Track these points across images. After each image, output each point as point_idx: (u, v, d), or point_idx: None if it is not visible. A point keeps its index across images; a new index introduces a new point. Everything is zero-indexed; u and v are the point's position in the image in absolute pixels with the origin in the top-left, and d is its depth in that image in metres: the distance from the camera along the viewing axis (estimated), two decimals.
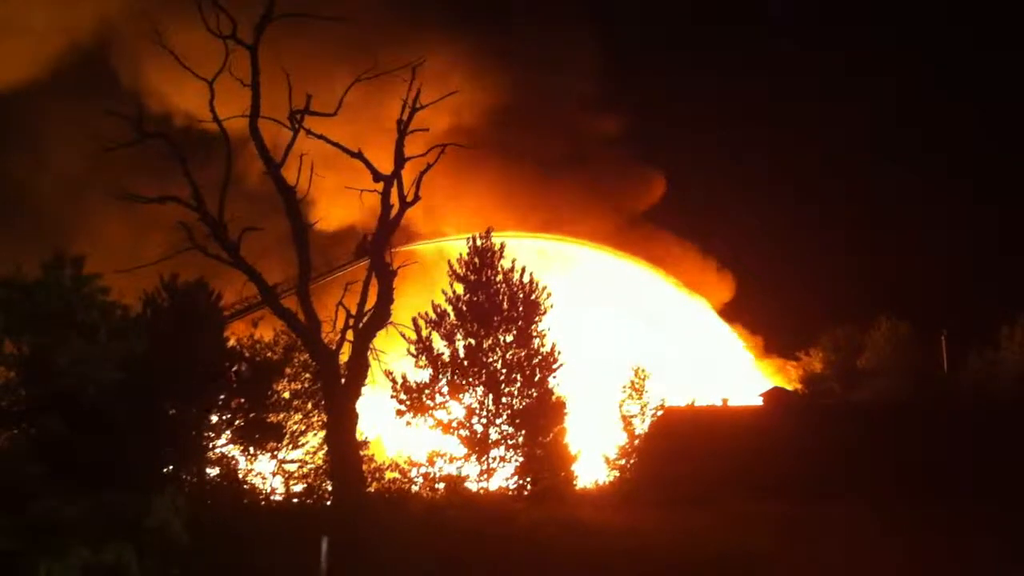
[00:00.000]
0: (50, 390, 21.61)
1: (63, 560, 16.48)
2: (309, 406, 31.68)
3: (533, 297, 36.03)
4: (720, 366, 56.97)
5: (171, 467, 28.96)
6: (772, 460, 36.36)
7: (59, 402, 21.64)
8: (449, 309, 35.53)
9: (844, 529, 27.48)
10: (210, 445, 30.52)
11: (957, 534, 25.74)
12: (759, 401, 46.41)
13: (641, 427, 42.10)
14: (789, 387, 51.92)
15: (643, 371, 43.31)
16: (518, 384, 35.02)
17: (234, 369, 31.36)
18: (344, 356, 29.52)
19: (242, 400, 30.93)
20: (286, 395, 31.87)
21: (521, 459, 34.66)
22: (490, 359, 35.00)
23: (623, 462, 42.16)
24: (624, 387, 43.21)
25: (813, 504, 30.62)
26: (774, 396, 46.87)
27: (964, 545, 24.95)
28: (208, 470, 30.46)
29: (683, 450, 38.95)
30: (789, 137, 67.07)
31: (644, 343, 51.56)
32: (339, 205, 44.65)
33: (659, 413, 42.58)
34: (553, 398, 35.52)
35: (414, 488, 33.49)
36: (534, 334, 35.74)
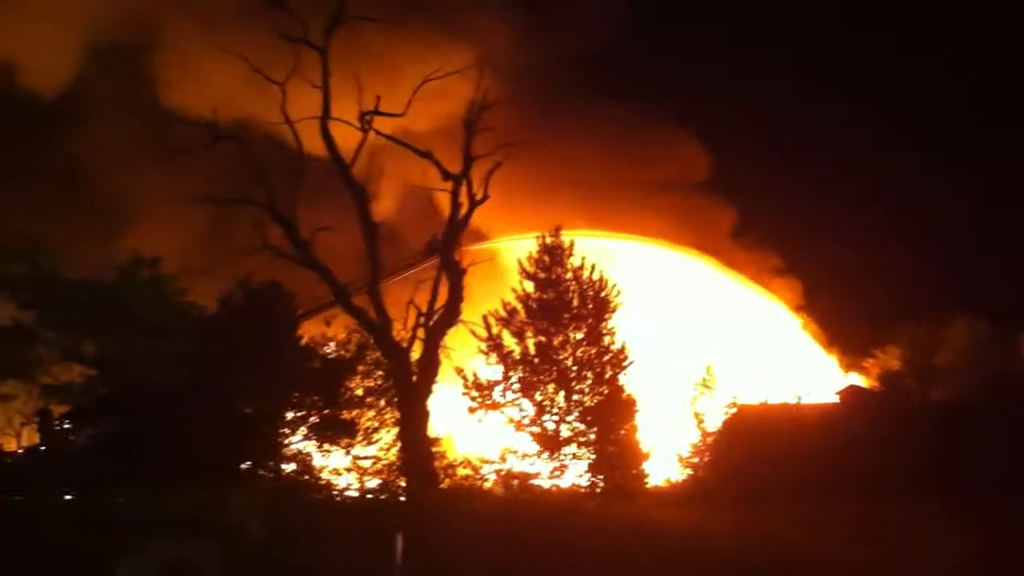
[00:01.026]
0: (130, 389, 22.09)
1: (143, 556, 16.79)
2: (382, 403, 31.93)
3: (603, 295, 35.94)
4: (794, 363, 56.12)
5: (248, 464, 29.46)
6: (848, 460, 35.72)
7: (138, 401, 22.11)
8: (519, 307, 35.59)
9: (923, 532, 26.86)
10: (285, 442, 30.98)
11: None
12: (835, 399, 45.65)
13: (713, 425, 41.64)
14: (865, 385, 50.94)
15: (714, 368, 42.86)
16: (589, 381, 34.97)
17: (308, 367, 31.75)
18: (415, 354, 29.71)
19: (316, 397, 31.32)
20: (359, 392, 32.18)
21: (592, 456, 34.59)
22: (560, 356, 34.99)
23: (695, 460, 41.74)
24: (696, 384, 42.82)
25: (891, 506, 30.01)
26: (850, 394, 46.04)
27: None
28: (284, 466, 30.92)
29: (756, 448, 38.46)
30: (862, 127, 65.35)
31: (716, 341, 50.93)
32: (409, 204, 44.99)
33: (732, 411, 42.08)
34: (624, 395, 35.40)
35: (486, 485, 33.62)
36: (604, 331, 35.64)
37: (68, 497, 23.60)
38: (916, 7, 67.07)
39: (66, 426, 24.75)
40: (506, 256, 46.86)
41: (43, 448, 24.13)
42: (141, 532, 17.69)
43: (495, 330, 35.29)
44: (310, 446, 31.35)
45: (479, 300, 35.43)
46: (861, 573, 22.11)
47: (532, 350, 35.00)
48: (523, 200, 49.62)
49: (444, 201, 32.38)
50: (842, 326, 59.16)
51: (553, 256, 36.22)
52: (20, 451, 24.46)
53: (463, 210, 30.89)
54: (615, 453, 34.92)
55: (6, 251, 20.88)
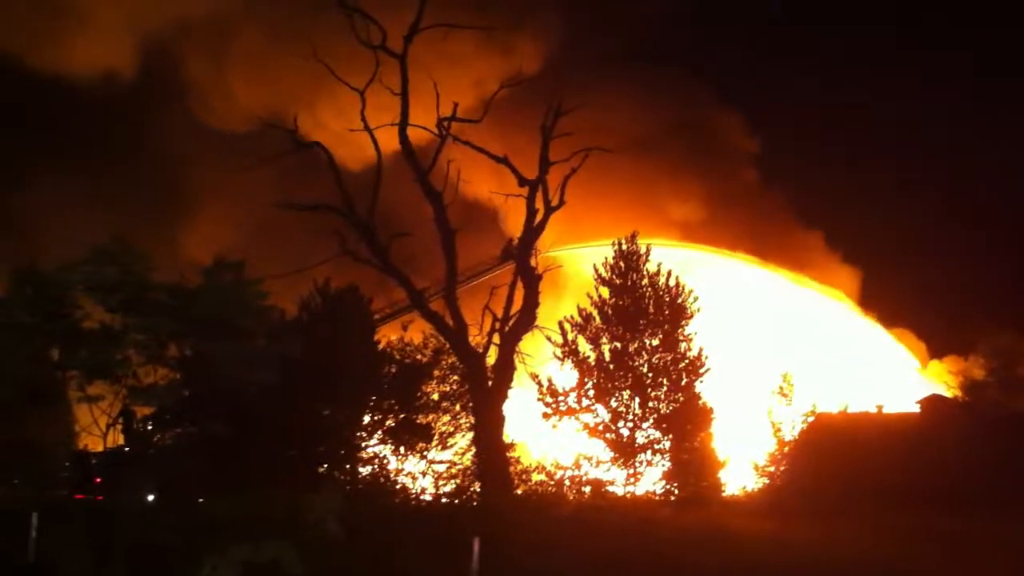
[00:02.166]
0: (212, 391, 22.45)
1: (224, 556, 17.04)
2: (457, 408, 32.10)
3: (679, 301, 35.72)
4: (875, 372, 55.14)
5: (326, 466, 29.81)
6: (930, 471, 34.98)
7: (221, 403, 22.47)
8: (595, 312, 35.54)
9: (1010, 547, 26.12)
10: (362, 445, 31.29)
11: None
12: (916, 408, 44.69)
13: (791, 434, 41.06)
14: (948, 395, 49.78)
15: (791, 377, 42.25)
16: (664, 388, 34.78)
17: (385, 371, 32.04)
18: (491, 359, 29.78)
19: (392, 401, 31.59)
20: (435, 397, 32.38)
21: (668, 464, 34.37)
22: (636, 363, 34.84)
23: (772, 469, 41.20)
24: (773, 392, 42.24)
25: (975, 519, 29.25)
26: (932, 403, 45.04)
27: None
28: (360, 469, 31.22)
29: (835, 458, 37.86)
30: (943, 127, 63.86)
31: (793, 349, 50.28)
32: (485, 209, 45.19)
33: (810, 419, 41.45)
34: (700, 403, 35.13)
35: (561, 491, 33.59)
36: (680, 338, 35.41)
37: (151, 498, 24.14)
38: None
39: (149, 428, 25.31)
40: (573, 263, 46.93)
41: (127, 449, 24.66)
42: (222, 533, 17.97)
43: (570, 336, 35.27)
44: (386, 450, 31.62)
45: (549, 306, 35.45)
46: None
47: (607, 356, 34.90)
48: (595, 207, 49.54)
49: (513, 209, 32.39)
50: (925, 335, 58.01)
51: (629, 262, 36.13)
52: (105, 452, 25.08)
53: (539, 216, 30.89)
54: (690, 461, 34.66)
55: (98, 253, 21.34)
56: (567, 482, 33.70)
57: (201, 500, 23.31)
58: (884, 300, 60.35)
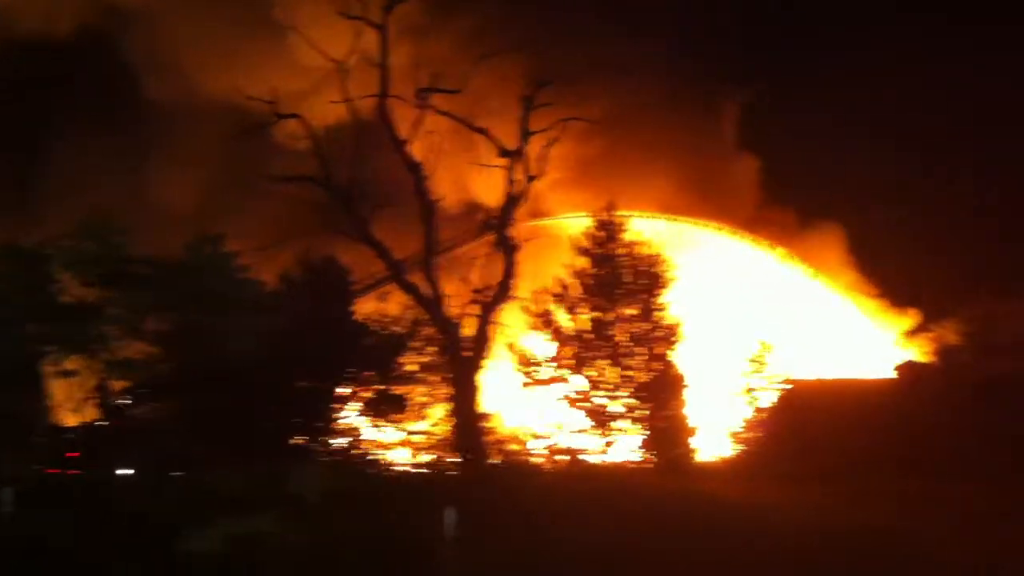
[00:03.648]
0: (192, 365, 22.66)
1: (207, 529, 17.28)
2: (434, 379, 32.30)
3: (656, 270, 35.93)
4: (849, 339, 55.59)
5: (304, 438, 30.04)
6: (905, 435, 35.40)
7: (201, 376, 22.68)
8: (573, 282, 35.73)
9: (981, 509, 26.67)
10: (339, 416, 31.47)
11: None
12: (892, 374, 45.18)
13: (767, 401, 41.49)
14: (923, 360, 50.28)
15: (767, 344, 42.60)
16: (642, 357, 35.07)
17: (362, 343, 32.19)
18: (468, 330, 29.98)
19: (370, 373, 31.75)
20: (412, 368, 32.56)
21: (645, 432, 34.75)
22: (613, 332, 35.10)
23: (748, 435, 41.65)
24: (750, 360, 42.60)
25: (949, 482, 29.79)
26: (908, 369, 45.54)
27: None
28: (336, 440, 31.41)
29: (810, 424, 38.24)
30: (922, 90, 63.57)
31: (770, 318, 50.61)
32: (465, 181, 45.15)
33: (786, 386, 41.86)
34: (676, 371, 35.48)
35: (537, 460, 33.93)
36: (657, 307, 35.67)
37: (127, 472, 24.28)
38: None
39: (126, 402, 25.42)
40: (557, 234, 46.97)
41: (103, 424, 24.79)
42: (203, 505, 18.22)
43: (548, 306, 35.48)
44: (363, 421, 31.82)
45: (528, 277, 35.62)
46: (917, 545, 22.05)
47: (585, 326, 35.16)
48: (577, 178, 49.51)
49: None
50: (899, 300, 58.43)
51: (608, 232, 36.27)
52: (80, 426, 25.16)
53: (518, 186, 31.01)
54: (666, 428, 35.05)
55: (77, 229, 21.45)
56: (544, 451, 34.04)
57: (179, 473, 23.51)
58: (860, 269, 60.60)
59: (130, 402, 24.89)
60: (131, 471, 24.27)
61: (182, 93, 50.86)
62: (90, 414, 23.36)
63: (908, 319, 57.42)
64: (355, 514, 20.32)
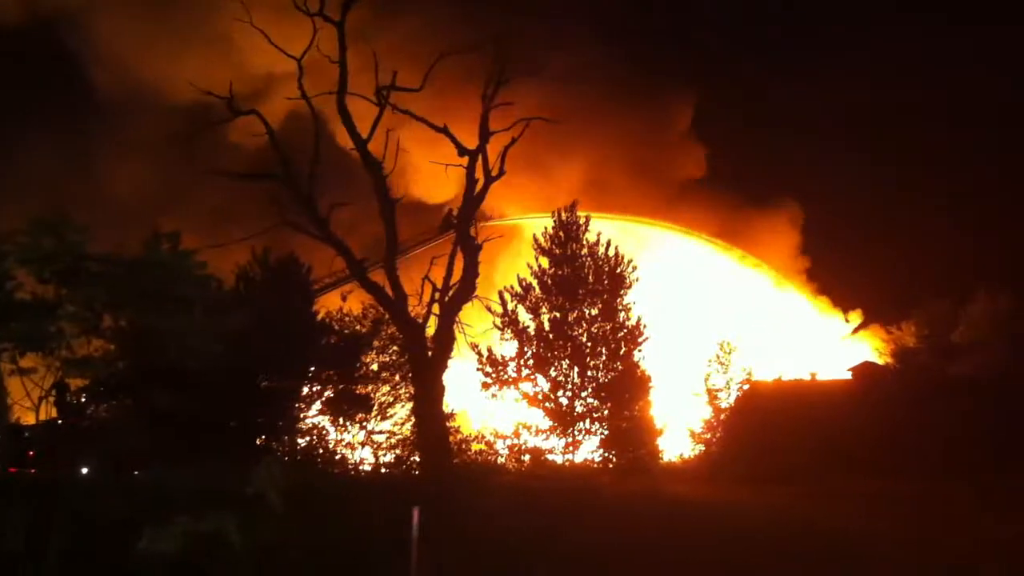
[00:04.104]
0: (151, 363, 22.26)
1: (166, 528, 16.97)
2: (397, 378, 32.09)
3: (618, 271, 36.01)
4: (808, 341, 56.19)
5: (265, 437, 29.67)
6: (861, 435, 35.83)
7: (160, 375, 22.30)
8: (534, 282, 35.70)
9: (936, 506, 27.00)
10: (301, 416, 31.16)
11: None
12: (848, 376, 45.69)
13: (727, 401, 41.77)
14: (880, 362, 50.90)
15: (729, 344, 42.90)
16: (603, 357, 35.12)
17: (324, 342, 31.90)
18: (431, 329, 29.84)
19: (332, 372, 31.47)
20: (374, 367, 32.33)
21: (606, 432, 34.78)
22: (575, 332, 35.13)
23: (708, 436, 41.91)
24: (710, 361, 42.87)
25: (905, 480, 30.12)
26: (864, 370, 46.08)
27: None
28: (300, 440, 31.11)
29: (769, 424, 38.61)
30: (880, 96, 64.39)
31: (730, 319, 51.00)
32: (426, 179, 45.01)
33: (745, 387, 42.18)
34: (638, 372, 35.55)
35: (500, 460, 33.84)
36: (619, 307, 35.74)
37: (85, 471, 23.85)
38: None
39: (83, 400, 24.98)
40: (523, 234, 46.95)
41: (61, 422, 24.29)
42: (163, 505, 17.89)
43: (510, 306, 35.42)
44: (325, 421, 31.55)
45: (495, 276, 35.55)
46: (875, 543, 22.25)
47: (547, 326, 35.13)
48: (539, 179, 49.60)
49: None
50: (857, 303, 59.12)
51: (569, 232, 36.29)
52: (38, 425, 24.68)
53: (479, 186, 30.89)
54: (628, 429, 35.10)
55: (34, 224, 20.91)
56: (507, 451, 33.95)
57: (138, 472, 23.12)
58: (820, 272, 61.30)
59: (89, 400, 24.38)
60: (90, 470, 23.83)
61: (137, 88, 50.25)
62: (48, 413, 22.87)
63: (861, 320, 58.20)
64: (318, 514, 20.09)
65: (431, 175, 35.71)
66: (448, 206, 44.03)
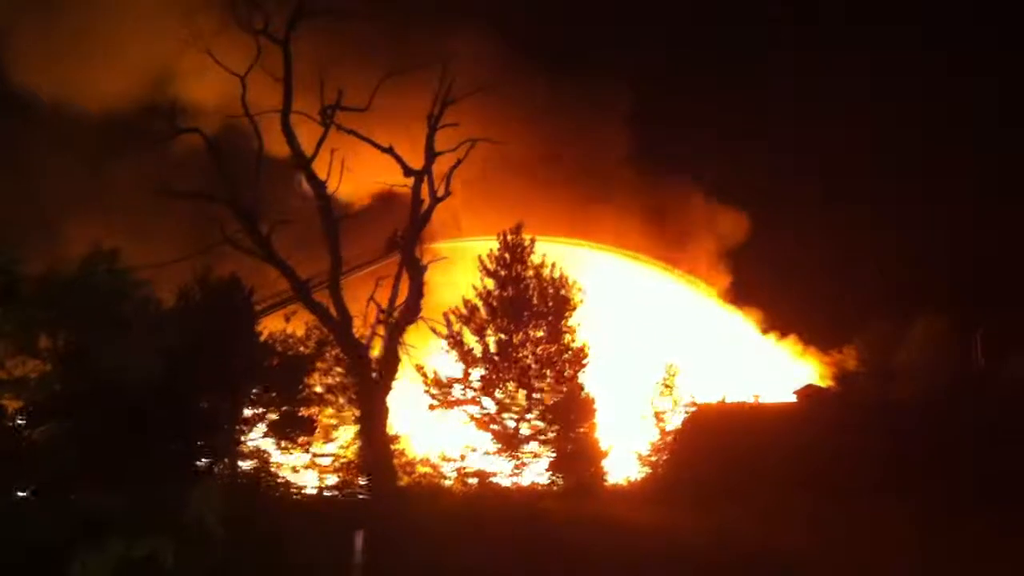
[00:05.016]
0: (87, 384, 21.79)
1: (99, 553, 16.52)
2: (341, 400, 31.76)
3: (563, 293, 35.97)
4: (754, 364, 56.56)
5: (205, 460, 29.14)
6: (806, 457, 35.99)
7: (96, 396, 21.82)
8: (480, 304, 35.52)
9: (879, 528, 27.22)
10: (243, 439, 30.67)
11: (997, 535, 25.33)
12: (793, 398, 46.02)
13: (673, 424, 41.82)
14: (823, 385, 51.38)
15: (674, 367, 42.99)
16: (549, 380, 34.99)
17: (267, 363, 31.45)
18: (375, 351, 29.58)
19: (275, 394, 31.03)
20: (318, 389, 31.95)
21: (553, 455, 34.63)
22: (521, 354, 34.98)
23: (654, 459, 41.89)
24: (656, 384, 42.92)
25: (848, 502, 30.32)
26: (808, 393, 46.45)
27: (1005, 546, 24.53)
28: (241, 464, 30.61)
29: (715, 447, 38.65)
30: (823, 122, 64.92)
31: (675, 342, 51.19)
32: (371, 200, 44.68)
33: (690, 410, 42.27)
34: (583, 394, 35.48)
35: (446, 483, 33.53)
36: (564, 329, 35.68)
37: (21, 495, 23.23)
38: None
39: (19, 422, 24.38)
40: (470, 255, 46.78)
41: None
42: (97, 530, 17.41)
43: (456, 327, 35.20)
44: (268, 443, 31.07)
45: (441, 298, 35.33)
46: (820, 564, 22.37)
47: (493, 348, 34.96)
48: (488, 200, 49.48)
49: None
50: (800, 327, 59.64)
51: (514, 253, 36.17)
52: None
53: (424, 206, 30.78)
54: (574, 451, 34.97)
55: None
56: (453, 473, 33.64)
57: (74, 497, 22.53)
58: (762, 296, 61.71)
59: (24, 422, 23.75)
60: (25, 494, 23.20)
61: (75, 99, 49.09)
62: None
63: (801, 343, 58.82)
64: (260, 539, 19.72)
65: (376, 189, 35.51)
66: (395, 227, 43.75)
